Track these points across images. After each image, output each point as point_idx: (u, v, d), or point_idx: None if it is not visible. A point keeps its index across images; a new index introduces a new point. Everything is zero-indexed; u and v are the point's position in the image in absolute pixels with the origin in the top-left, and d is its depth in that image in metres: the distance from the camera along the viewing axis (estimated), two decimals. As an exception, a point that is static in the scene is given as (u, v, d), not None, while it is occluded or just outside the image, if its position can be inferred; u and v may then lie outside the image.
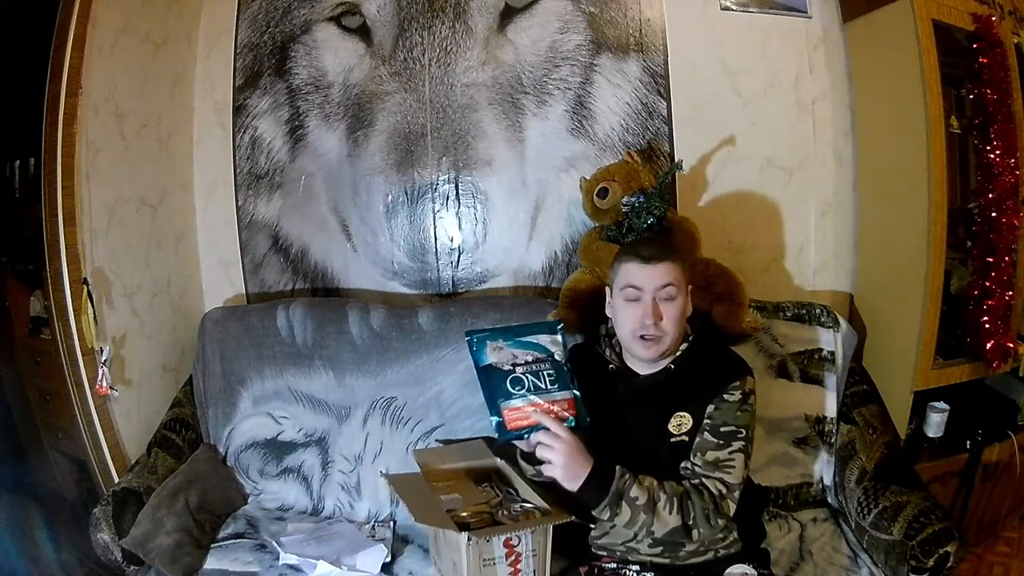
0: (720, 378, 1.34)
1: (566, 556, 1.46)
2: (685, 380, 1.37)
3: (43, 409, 1.97)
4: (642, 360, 1.38)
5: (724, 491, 1.28)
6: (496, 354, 1.34)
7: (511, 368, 1.33)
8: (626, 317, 1.35)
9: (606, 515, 1.25)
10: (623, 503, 1.23)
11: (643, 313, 1.32)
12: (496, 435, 1.31)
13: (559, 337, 1.38)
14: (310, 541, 1.63)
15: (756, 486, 1.62)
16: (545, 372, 1.33)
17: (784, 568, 1.52)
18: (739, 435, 1.31)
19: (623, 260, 1.37)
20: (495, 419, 1.30)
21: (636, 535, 1.36)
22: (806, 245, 2.06)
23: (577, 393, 1.34)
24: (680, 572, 1.36)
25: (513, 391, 1.30)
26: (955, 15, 1.75)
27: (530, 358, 1.34)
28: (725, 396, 1.33)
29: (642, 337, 1.33)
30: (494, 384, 1.31)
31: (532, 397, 1.30)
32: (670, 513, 1.24)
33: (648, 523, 1.24)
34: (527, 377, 1.31)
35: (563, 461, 1.23)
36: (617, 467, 1.25)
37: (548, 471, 1.25)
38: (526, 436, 1.30)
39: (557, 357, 1.36)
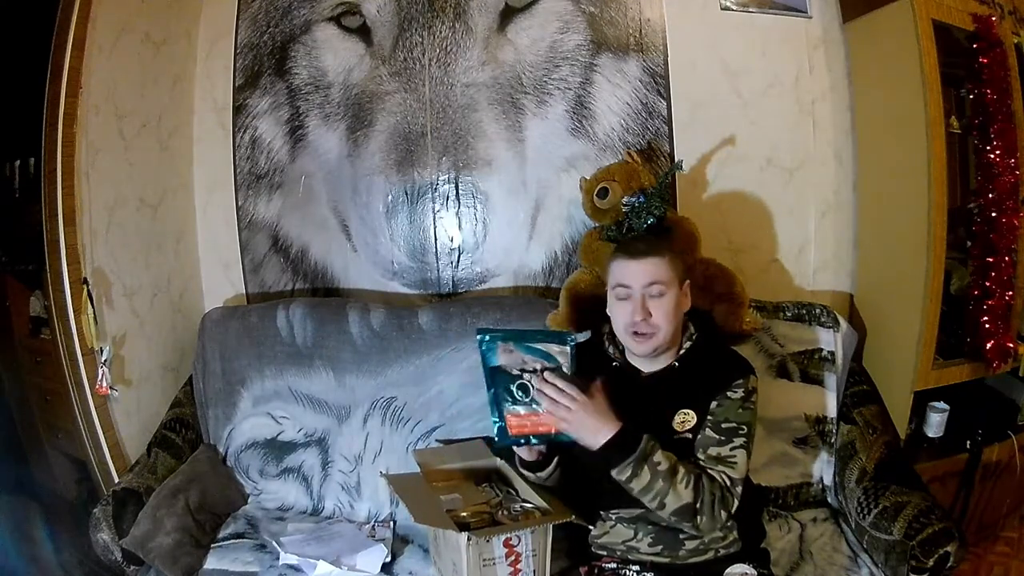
0: (725, 376, 1.35)
1: (566, 556, 1.46)
2: (689, 377, 1.37)
3: (43, 409, 1.97)
4: (638, 355, 1.39)
5: (728, 484, 1.29)
6: (506, 356, 1.33)
7: (519, 373, 1.32)
8: (618, 314, 1.38)
9: (626, 475, 1.24)
10: (646, 466, 1.24)
11: (632, 310, 1.34)
12: (496, 438, 1.31)
13: (568, 349, 1.36)
14: (310, 541, 1.63)
15: (756, 486, 1.62)
16: None
17: (784, 568, 1.52)
18: (740, 432, 1.32)
19: (614, 258, 1.40)
20: (497, 423, 1.29)
21: (638, 532, 1.37)
22: (806, 245, 2.06)
23: None
24: (680, 572, 1.36)
25: (519, 397, 1.30)
26: (955, 15, 1.75)
27: (539, 366, 1.33)
28: (728, 393, 1.34)
29: (635, 333, 1.34)
30: (500, 387, 1.31)
31: (536, 407, 1.30)
32: (686, 487, 1.25)
33: (664, 492, 1.24)
34: (533, 385, 1.31)
35: (576, 417, 1.26)
36: (644, 433, 1.26)
37: (562, 427, 1.29)
38: (523, 443, 1.33)
39: (564, 370, 1.35)
